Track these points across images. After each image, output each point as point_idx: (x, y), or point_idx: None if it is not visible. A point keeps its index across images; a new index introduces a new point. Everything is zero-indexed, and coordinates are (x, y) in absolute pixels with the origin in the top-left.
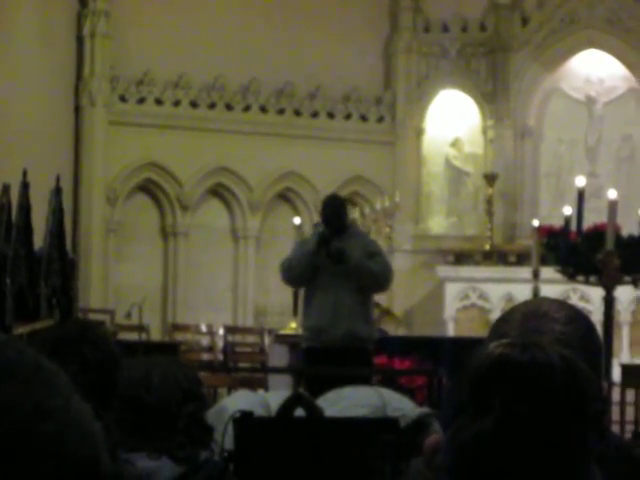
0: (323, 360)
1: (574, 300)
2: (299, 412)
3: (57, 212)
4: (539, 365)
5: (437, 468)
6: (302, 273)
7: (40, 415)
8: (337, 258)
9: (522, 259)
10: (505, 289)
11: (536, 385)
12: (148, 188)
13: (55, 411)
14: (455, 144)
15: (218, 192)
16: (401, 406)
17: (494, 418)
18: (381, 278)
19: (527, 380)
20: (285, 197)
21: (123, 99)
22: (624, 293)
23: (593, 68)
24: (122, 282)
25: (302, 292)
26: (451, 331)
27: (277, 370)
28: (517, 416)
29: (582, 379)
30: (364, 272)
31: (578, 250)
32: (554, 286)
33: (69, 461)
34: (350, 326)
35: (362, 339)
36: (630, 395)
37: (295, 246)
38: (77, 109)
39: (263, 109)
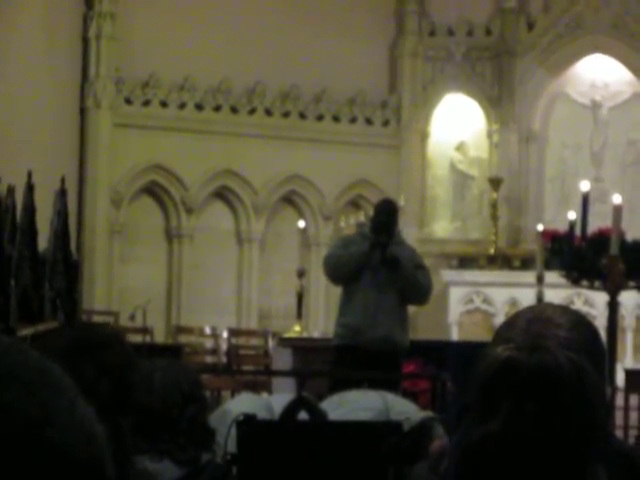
0: (355, 360)
1: (578, 305)
2: (302, 415)
3: (62, 214)
4: (547, 368)
5: (443, 473)
6: (351, 271)
7: (44, 419)
8: (391, 265)
9: (526, 263)
10: (509, 293)
11: (543, 387)
12: (153, 190)
13: (59, 414)
14: (460, 148)
15: (223, 195)
16: (405, 410)
17: (502, 420)
18: (426, 293)
19: (535, 382)
20: (290, 200)
21: (128, 101)
22: (628, 298)
23: (598, 73)
24: (126, 284)
25: (305, 294)
26: (455, 335)
27: (281, 373)
28: (524, 418)
29: (589, 382)
30: (412, 283)
31: (582, 255)
32: (558, 291)
33: (73, 465)
34: (388, 330)
35: (397, 344)
36: (634, 400)
37: (340, 242)
38: (82, 111)
39: (268, 112)
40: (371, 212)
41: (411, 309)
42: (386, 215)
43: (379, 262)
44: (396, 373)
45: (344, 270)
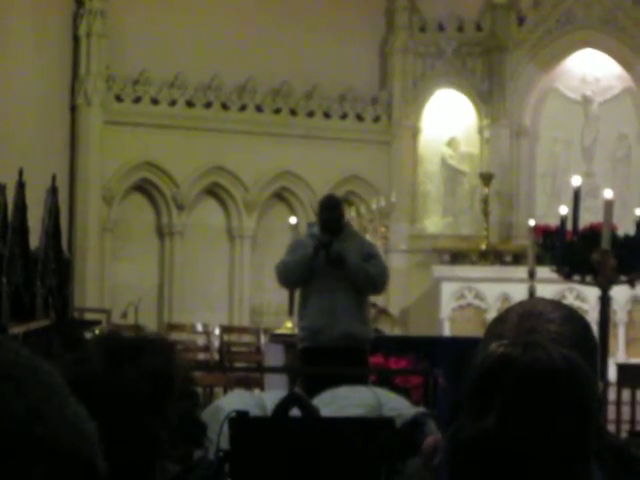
0: (319, 360)
1: (570, 300)
2: (295, 412)
3: (53, 212)
4: (541, 364)
5: (436, 468)
6: (300, 277)
7: (34, 417)
8: (336, 263)
9: (518, 259)
10: (501, 289)
11: (538, 384)
12: (144, 187)
13: (50, 413)
14: (451, 144)
15: (214, 191)
16: (397, 406)
17: (496, 417)
18: (378, 281)
19: (529, 379)
20: (281, 196)
21: (119, 98)
22: (620, 293)
23: (589, 68)
24: (118, 282)
25: (298, 293)
26: (447, 331)
27: (273, 370)
28: (519, 415)
29: (583, 378)
30: (362, 276)
31: (574, 250)
32: (550, 286)
33: (64, 463)
34: (347, 327)
35: (358, 339)
36: (626, 394)
37: (290, 248)
38: (73, 108)
39: (259, 109)
40: (362, 208)
41: (402, 306)
42: (328, 210)
43: (325, 262)
44: (362, 367)
45: (294, 277)
